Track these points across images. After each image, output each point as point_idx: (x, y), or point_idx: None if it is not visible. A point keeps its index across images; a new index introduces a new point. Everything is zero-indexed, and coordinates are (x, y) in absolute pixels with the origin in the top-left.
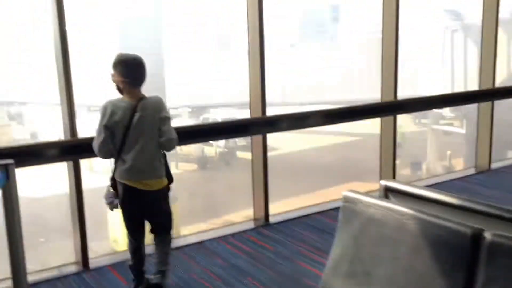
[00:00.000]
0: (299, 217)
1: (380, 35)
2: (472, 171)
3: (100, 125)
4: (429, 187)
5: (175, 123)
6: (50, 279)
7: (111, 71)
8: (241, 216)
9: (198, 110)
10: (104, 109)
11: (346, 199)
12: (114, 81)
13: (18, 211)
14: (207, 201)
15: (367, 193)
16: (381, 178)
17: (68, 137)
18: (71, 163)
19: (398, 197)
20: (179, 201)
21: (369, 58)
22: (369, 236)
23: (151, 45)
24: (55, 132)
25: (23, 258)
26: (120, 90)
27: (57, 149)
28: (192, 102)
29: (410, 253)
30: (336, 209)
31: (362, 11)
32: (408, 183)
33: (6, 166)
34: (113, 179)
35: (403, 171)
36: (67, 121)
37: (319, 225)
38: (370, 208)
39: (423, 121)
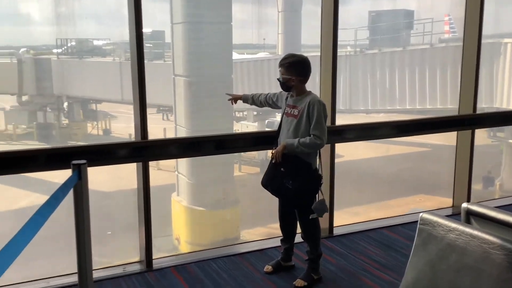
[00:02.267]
0: (364, 230)
1: (454, 43)
2: None
3: (324, 119)
4: (505, 207)
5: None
6: (114, 277)
7: (282, 70)
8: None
9: (263, 113)
10: (323, 104)
11: (424, 221)
12: (285, 79)
13: (88, 210)
14: (268, 206)
15: (446, 216)
16: (454, 197)
17: (139, 138)
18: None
19: (482, 223)
20: (241, 204)
21: (443, 66)
22: (448, 263)
23: (224, 49)
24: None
25: (89, 255)
26: (288, 87)
27: (128, 149)
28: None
29: (494, 286)
30: (403, 225)
31: (437, 17)
32: (493, 208)
33: (78, 166)
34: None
35: (474, 185)
36: (138, 122)
37: (385, 240)
38: (450, 233)
39: (498, 134)
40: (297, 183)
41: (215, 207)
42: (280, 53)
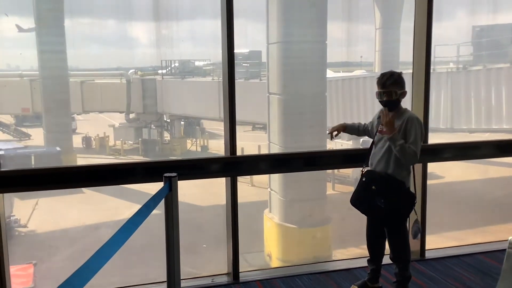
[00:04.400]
0: (458, 255)
1: None
2: None
3: (420, 136)
4: None
5: None
6: (202, 287)
7: (398, 89)
8: None
9: None
10: (420, 122)
11: None
12: (399, 96)
13: (177, 220)
14: (361, 226)
15: None
16: None
17: (228, 154)
18: (229, 178)
19: None
20: (332, 223)
21: None
22: None
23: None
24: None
25: (178, 264)
26: (396, 104)
27: (218, 164)
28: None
29: None
30: (502, 251)
31: None
32: None
33: (170, 178)
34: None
35: None
36: (228, 138)
37: (481, 266)
38: None
39: None
40: (390, 201)
41: (307, 224)
42: (377, 70)
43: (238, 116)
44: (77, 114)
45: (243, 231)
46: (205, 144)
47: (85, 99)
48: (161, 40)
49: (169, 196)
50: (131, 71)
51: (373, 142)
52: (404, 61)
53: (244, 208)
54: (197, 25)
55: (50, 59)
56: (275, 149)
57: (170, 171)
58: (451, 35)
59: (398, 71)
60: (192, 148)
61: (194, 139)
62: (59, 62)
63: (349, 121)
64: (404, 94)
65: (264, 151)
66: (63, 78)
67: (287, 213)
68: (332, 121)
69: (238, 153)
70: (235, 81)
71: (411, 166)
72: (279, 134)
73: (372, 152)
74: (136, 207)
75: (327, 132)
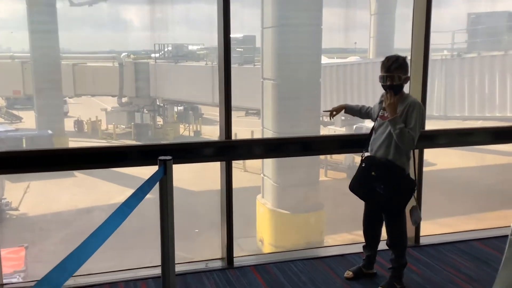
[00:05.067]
0: (453, 241)
1: None
2: None
3: (420, 123)
4: None
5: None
6: (197, 272)
7: (402, 74)
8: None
9: (352, 118)
10: (422, 109)
11: None
12: (403, 81)
13: (172, 204)
14: (353, 212)
15: None
16: None
17: (223, 138)
18: (224, 162)
19: None
20: (325, 209)
21: None
22: None
23: (312, 52)
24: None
25: (172, 248)
26: (399, 88)
27: (213, 148)
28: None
29: None
30: (498, 238)
31: None
32: None
33: (164, 162)
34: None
35: None
36: (223, 123)
37: (476, 253)
38: None
39: None
40: (389, 188)
41: (299, 210)
42: (371, 57)
43: (232, 102)
44: (69, 97)
45: (235, 217)
46: (199, 129)
47: (77, 82)
48: (155, 24)
49: (164, 180)
50: (123, 54)
51: (373, 128)
52: (399, 48)
53: (236, 193)
54: (192, 9)
55: (42, 39)
56: (269, 135)
57: (164, 155)
58: (446, 22)
59: (403, 55)
60: (185, 133)
61: (187, 124)
62: (50, 43)
63: None
64: (407, 79)
65: (258, 136)
66: (54, 60)
67: (280, 199)
68: (326, 107)
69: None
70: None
71: (412, 152)
72: (272, 120)
73: (372, 137)
74: (129, 192)
75: (324, 110)
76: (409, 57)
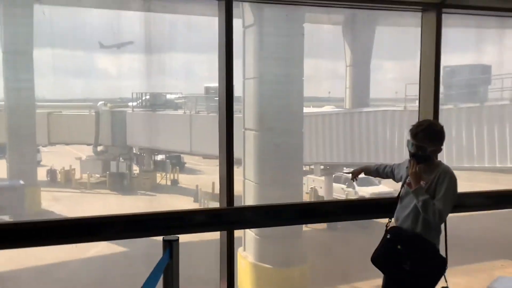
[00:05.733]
0: None
1: None
2: None
3: (452, 194)
4: None
5: None
6: None
7: (429, 145)
8: (372, 285)
9: (331, 167)
10: (455, 179)
11: None
12: (429, 151)
13: None
14: (337, 265)
15: None
16: None
17: (224, 205)
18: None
19: None
20: (309, 262)
21: None
22: None
23: (295, 103)
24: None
25: None
26: (425, 158)
27: (213, 216)
28: (325, 160)
29: None
30: None
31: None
32: None
33: (170, 243)
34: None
35: None
36: (224, 187)
37: None
38: None
39: None
40: (417, 266)
41: (282, 264)
42: (348, 106)
43: (210, 151)
44: (43, 146)
45: (215, 272)
46: (175, 178)
47: (51, 131)
48: (132, 72)
49: (170, 266)
50: (100, 103)
51: (399, 195)
52: (374, 97)
53: (215, 245)
54: (168, 58)
55: (17, 88)
56: (251, 186)
57: (156, 224)
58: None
59: (437, 122)
60: (162, 182)
61: (164, 173)
62: (26, 91)
63: (327, 157)
64: (436, 151)
65: (239, 187)
66: (29, 109)
67: (262, 252)
68: (310, 157)
69: (208, 188)
70: (208, 114)
71: (442, 226)
72: (254, 171)
73: (399, 206)
74: (102, 245)
75: (346, 172)
76: (385, 108)
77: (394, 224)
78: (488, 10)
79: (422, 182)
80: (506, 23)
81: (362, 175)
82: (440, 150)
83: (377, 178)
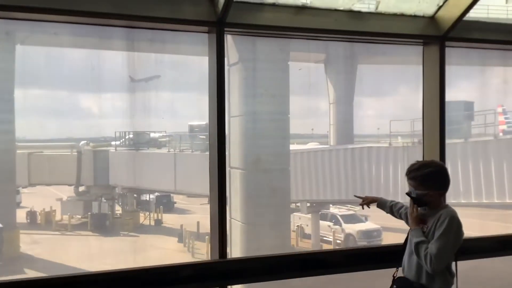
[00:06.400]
0: None
1: None
2: None
3: (452, 238)
4: None
5: None
6: None
7: (414, 183)
8: None
9: (317, 205)
10: (456, 222)
11: None
12: (419, 194)
13: None
14: None
15: None
16: None
17: (216, 257)
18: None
19: None
20: None
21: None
22: None
23: (281, 141)
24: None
25: None
26: (423, 203)
27: (203, 271)
28: (311, 197)
29: None
30: None
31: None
32: None
33: None
34: None
35: None
36: (216, 239)
37: None
38: None
39: None
40: None
41: None
42: (332, 143)
43: (195, 189)
44: (23, 187)
45: None
46: (159, 217)
47: (32, 171)
48: (115, 111)
49: None
50: (82, 142)
51: (407, 238)
52: (358, 134)
53: None
54: (152, 96)
55: None
56: (237, 226)
57: (140, 281)
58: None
59: (438, 163)
60: (145, 222)
61: (148, 213)
62: (6, 133)
63: (313, 194)
64: (433, 195)
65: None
66: (9, 150)
67: None
68: (296, 195)
69: (193, 227)
70: (193, 153)
71: (452, 277)
72: (241, 210)
73: (406, 251)
74: None
75: (356, 195)
76: (370, 144)
77: (401, 274)
78: (492, 43)
79: (424, 226)
80: (488, 61)
81: (373, 205)
82: (440, 193)
83: (383, 211)
